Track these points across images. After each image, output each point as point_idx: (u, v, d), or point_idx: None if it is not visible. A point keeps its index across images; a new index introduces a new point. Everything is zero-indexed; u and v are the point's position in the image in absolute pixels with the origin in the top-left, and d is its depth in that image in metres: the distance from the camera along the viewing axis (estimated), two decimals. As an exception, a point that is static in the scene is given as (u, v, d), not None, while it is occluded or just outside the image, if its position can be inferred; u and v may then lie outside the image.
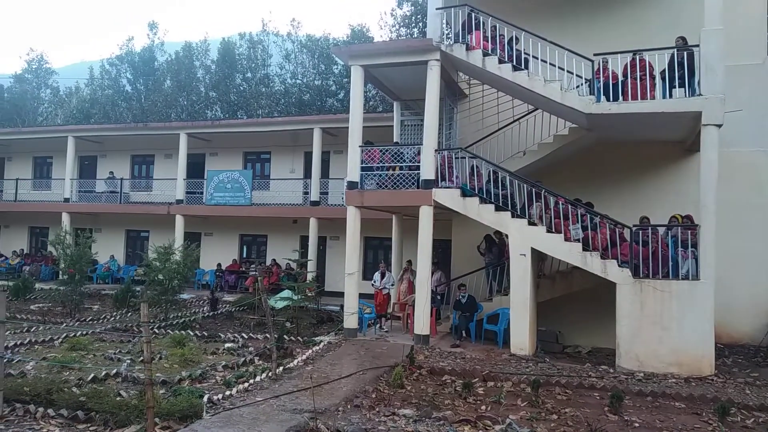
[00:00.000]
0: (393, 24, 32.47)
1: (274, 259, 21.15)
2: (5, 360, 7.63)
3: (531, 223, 11.68)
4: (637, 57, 11.45)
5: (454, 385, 9.34)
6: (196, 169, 22.98)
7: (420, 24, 30.09)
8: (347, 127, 13.53)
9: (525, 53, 12.48)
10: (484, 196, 12.11)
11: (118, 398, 7.37)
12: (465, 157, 12.67)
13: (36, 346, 11.36)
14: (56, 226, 21.94)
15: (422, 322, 12.10)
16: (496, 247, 13.91)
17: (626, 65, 11.59)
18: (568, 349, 13.05)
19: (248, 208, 20.89)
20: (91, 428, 6.88)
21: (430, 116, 12.41)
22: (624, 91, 11.46)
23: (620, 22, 13.76)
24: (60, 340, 11.86)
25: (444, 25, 13.21)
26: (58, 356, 10.24)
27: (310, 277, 16.70)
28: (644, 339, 10.49)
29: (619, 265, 10.90)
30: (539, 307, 12.43)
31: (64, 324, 13.96)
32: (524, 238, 11.65)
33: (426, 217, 12.26)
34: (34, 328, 13.18)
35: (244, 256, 23.09)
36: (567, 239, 11.38)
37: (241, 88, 34.76)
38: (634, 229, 11.06)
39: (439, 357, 11.09)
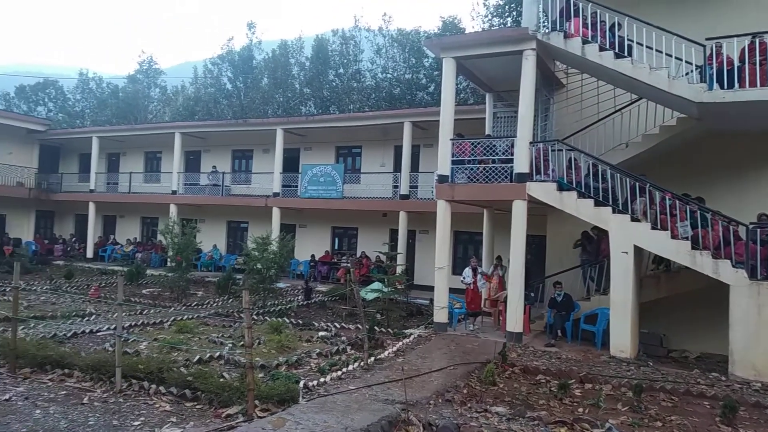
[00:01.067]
0: (485, 14, 31.92)
1: (364, 252, 21.50)
2: (122, 339, 8.27)
3: (634, 219, 11.05)
4: (757, 40, 10.50)
5: (548, 386, 9.06)
6: (291, 163, 23.78)
7: (514, 13, 29.31)
8: (437, 121, 13.44)
9: (628, 39, 11.78)
10: (583, 190, 11.60)
11: (221, 380, 7.76)
12: (562, 150, 12.19)
13: (148, 328, 12.24)
14: (165, 217, 23.54)
15: (515, 320, 11.83)
16: (592, 244, 13.31)
17: (743, 49, 10.67)
18: (673, 353, 12.26)
19: (340, 201, 21.34)
20: (197, 406, 7.30)
21: (525, 107, 12.05)
22: (740, 77, 10.56)
23: (735, 3, 12.64)
24: (169, 322, 12.71)
25: (540, 13, 12.80)
26: (167, 338, 10.97)
27: (399, 270, 16.82)
28: (763, 346, 9.63)
29: (733, 266, 10.06)
30: (642, 308, 11.75)
31: (172, 308, 14.96)
32: (626, 235, 11.05)
33: (519, 211, 11.95)
34: (145, 310, 14.21)
35: (336, 248, 23.64)
36: (674, 237, 10.67)
37: (334, 83, 35.51)
38: (750, 227, 10.16)
39: (533, 356, 10.79)
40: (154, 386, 7.74)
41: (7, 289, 16.07)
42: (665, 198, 10.92)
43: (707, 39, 10.81)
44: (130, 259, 24.49)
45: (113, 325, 11.25)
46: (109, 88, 46.04)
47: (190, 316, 13.44)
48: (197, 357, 9.33)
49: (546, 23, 12.44)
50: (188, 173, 26.46)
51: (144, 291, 18.01)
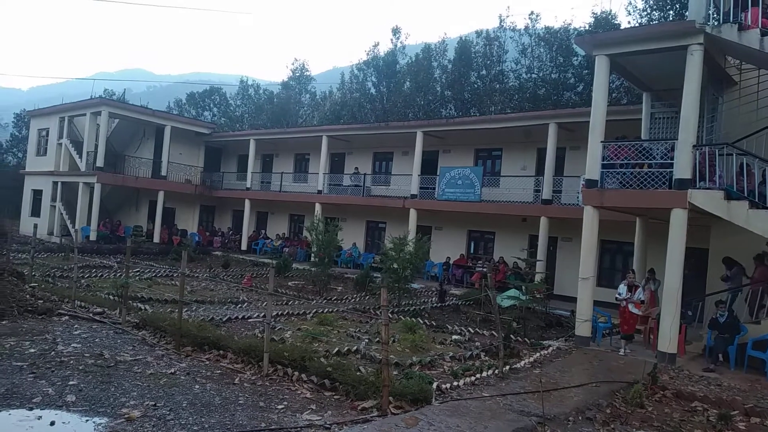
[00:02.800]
0: (643, 8, 29.62)
1: (501, 257, 21.00)
2: (270, 326, 8.84)
3: (821, 235, 9.59)
4: None
5: (706, 414, 8.16)
6: (429, 166, 23.95)
7: (676, 5, 26.93)
8: (585, 122, 12.73)
9: (821, 28, 10.25)
10: (756, 200, 10.29)
11: (357, 373, 7.99)
12: (732, 154, 10.91)
13: (292, 318, 13.00)
14: (310, 215, 24.93)
15: (668, 339, 10.80)
16: (737, 267, 11.79)
17: None
18: None
19: (477, 205, 21.05)
20: (335, 396, 7.58)
21: (689, 107, 10.96)
22: None
23: None
24: (311, 314, 13.39)
25: (710, 4, 11.58)
26: (309, 329, 11.57)
27: (538, 278, 16.18)
28: None
29: None
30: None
31: (314, 301, 15.76)
32: (810, 252, 9.61)
33: (678, 221, 10.89)
34: (291, 301, 15.11)
35: (471, 251, 23.38)
36: None
37: (475, 86, 35.18)
38: None
39: (688, 380, 9.77)
40: (297, 373, 8.17)
41: (175, 275, 17.99)
42: None
43: None
44: (278, 252, 26.23)
45: (263, 313, 12.09)
46: (265, 94, 49.92)
47: (330, 310, 14.06)
48: (336, 349, 9.71)
49: (716, 15, 11.20)
50: (332, 174, 27.76)
51: (290, 283, 19.17)
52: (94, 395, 6.82)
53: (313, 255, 19.10)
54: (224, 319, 11.95)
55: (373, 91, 40.83)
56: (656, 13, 28.58)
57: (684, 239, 10.85)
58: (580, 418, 7.34)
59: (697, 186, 10.88)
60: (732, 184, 10.68)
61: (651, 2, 29.20)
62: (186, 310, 11.96)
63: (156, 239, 28.20)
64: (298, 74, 49.57)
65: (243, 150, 31.28)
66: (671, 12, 27.46)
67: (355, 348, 9.99)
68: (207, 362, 8.80)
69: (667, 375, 9.86)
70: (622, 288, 12.29)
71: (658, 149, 11.77)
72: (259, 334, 10.28)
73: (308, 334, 10.70)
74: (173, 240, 28.28)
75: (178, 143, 30.28)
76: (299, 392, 7.67)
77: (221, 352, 9.11)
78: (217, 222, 33.48)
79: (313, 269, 18.07)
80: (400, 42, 40.31)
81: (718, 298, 11.75)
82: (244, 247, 28.65)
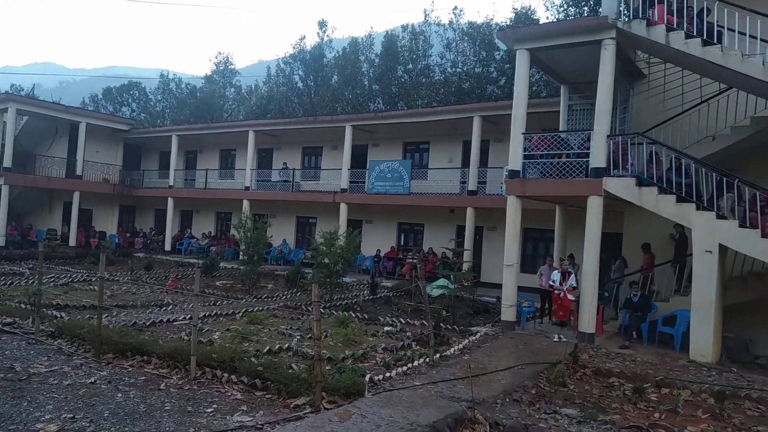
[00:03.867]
0: (560, 4, 30.86)
1: (430, 248, 21.36)
2: (197, 329, 8.58)
3: (720, 217, 10.35)
4: None
5: (622, 389, 8.67)
6: (359, 160, 23.96)
7: (591, 2, 28.22)
8: (508, 114, 13.12)
9: (718, 25, 11.01)
10: (664, 186, 10.98)
11: (289, 371, 7.91)
12: (642, 143, 11.59)
13: (221, 318, 12.68)
14: (238, 212, 24.36)
15: (587, 320, 11.37)
16: (621, 260, 13.04)
17: None
18: (760, 359, 11.43)
19: (407, 197, 21.30)
20: (266, 396, 7.47)
21: (603, 99, 11.54)
22: None
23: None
24: (240, 314, 13.11)
25: (621, 1, 12.20)
26: (239, 328, 11.32)
27: (466, 266, 16.57)
28: None
29: (834, 268, 9.24)
30: (726, 310, 11.00)
31: (243, 300, 15.44)
32: (711, 233, 10.37)
33: (594, 208, 11.47)
34: (218, 302, 14.73)
35: (402, 243, 23.63)
36: (765, 235, 9.90)
37: (402, 79, 35.49)
38: None
39: (606, 357, 10.33)
40: (226, 375, 7.99)
41: (93, 279, 17.11)
42: (756, 194, 10.15)
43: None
44: (205, 252, 25.50)
45: (189, 315, 11.72)
46: (187, 88, 48.17)
47: (261, 308, 13.82)
48: (267, 348, 9.56)
49: (627, 11, 11.83)
50: (260, 170, 27.22)
51: (217, 283, 18.69)
52: (4, 412, 6.38)
53: (241, 253, 18.71)
54: (148, 324, 11.49)
55: (300, 85, 40.35)
56: (572, 9, 29.87)
57: (600, 225, 11.44)
58: (507, 400, 7.59)
59: (611, 174, 11.48)
60: (643, 172, 11.34)
61: (567, -1, 30.46)
62: (106, 316, 11.40)
63: (72, 242, 26.62)
64: (222, 68, 48.21)
65: (165, 147, 30.08)
66: (586, 8, 28.77)
67: (286, 345, 9.87)
68: (130, 369, 8.43)
69: (587, 354, 10.38)
70: (556, 275, 12.68)
71: (575, 140, 12.32)
72: (186, 337, 9.97)
73: (238, 334, 10.47)
74: (90, 243, 26.84)
75: (94, 141, 28.69)
76: (229, 394, 7.50)
77: (145, 357, 8.77)
78: (138, 222, 32.07)
79: (242, 268, 17.70)
80: (327, 36, 40.09)
81: (632, 279, 12.47)
82: (168, 247, 27.62)
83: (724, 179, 10.44)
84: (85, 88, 65.83)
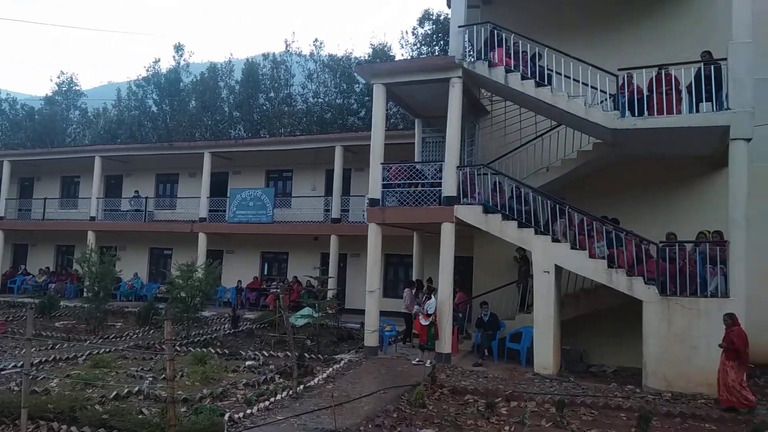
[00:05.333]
0: (414, 42, 32.68)
1: (295, 277, 21.16)
2: (30, 377, 7.69)
3: (555, 240, 11.51)
4: (663, 71, 11.30)
5: (476, 405, 9.18)
6: (219, 188, 23.22)
7: (441, 42, 30.21)
8: (368, 145, 13.56)
9: (548, 69, 12.41)
10: (507, 213, 11.99)
11: (140, 416, 7.38)
12: (487, 174, 12.60)
13: (60, 363, 11.47)
14: (82, 245, 22.34)
15: (444, 341, 11.94)
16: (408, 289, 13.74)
17: (651, 80, 11.44)
18: (592, 368, 12.74)
19: (270, 226, 20.99)
20: (112, 446, 6.87)
21: (452, 133, 12.38)
22: (649, 105, 11.31)
23: (647, 36, 13.59)
24: (83, 357, 11.96)
25: (466, 43, 13.24)
26: (81, 373, 10.31)
27: (330, 294, 16.65)
28: (672, 358, 10.20)
29: (645, 283, 10.66)
30: (563, 325, 12.17)
31: (88, 341, 14.10)
32: (548, 255, 11.48)
33: (447, 233, 12.18)
34: (58, 345, 13.33)
35: (266, 273, 23.16)
36: (592, 256, 11.18)
37: (264, 107, 35.18)
38: (660, 245, 10.82)
39: (461, 376, 10.91)
40: (64, 426, 7.25)
41: None
42: (583, 219, 11.45)
43: (619, 69, 11.55)
44: (42, 290, 22.93)
45: (20, 362, 10.43)
46: (24, 109, 43.41)
47: (108, 350, 12.69)
48: (114, 393, 8.80)
49: (472, 52, 12.89)
50: (108, 198, 25.30)
51: (57, 324, 16.93)
52: None
53: (85, 290, 17.12)
54: (-32, 376, 10.05)
55: (154, 109, 38.29)
56: (425, 48, 31.77)
57: (453, 249, 12.16)
58: (370, 426, 7.70)
59: (461, 202, 12.30)
60: (489, 200, 12.30)
61: (420, 38, 32.38)
62: None
63: None
64: (65, 88, 44.24)
65: (-6, 173, 26.83)
66: (437, 47, 30.76)
67: (136, 389, 9.17)
68: (-57, 430, 7.32)
69: (444, 374, 10.89)
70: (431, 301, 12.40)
71: (429, 170, 13.06)
72: (16, 388, 8.88)
73: (79, 380, 9.53)
74: None
75: None
76: (67, 448, 6.79)
77: (-37, 415, 7.66)
78: (-41, 259, 28.09)
79: (86, 306, 16.18)
80: (184, 59, 38.60)
81: (483, 299, 13.35)
82: (-3, 286, 24.52)
83: (557, 206, 11.66)
84: None
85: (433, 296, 12.26)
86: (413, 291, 13.73)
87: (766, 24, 12.77)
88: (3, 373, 10.49)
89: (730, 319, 9.38)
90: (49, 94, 44.08)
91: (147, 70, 39.31)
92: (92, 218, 23.77)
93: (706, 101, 10.99)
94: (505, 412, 8.88)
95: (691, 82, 11.19)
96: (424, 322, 12.26)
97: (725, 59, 10.63)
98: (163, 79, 37.79)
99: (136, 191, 24.64)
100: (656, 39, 13.43)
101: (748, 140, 10.40)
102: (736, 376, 9.07)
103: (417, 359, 11.99)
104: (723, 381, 9.16)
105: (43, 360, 11.42)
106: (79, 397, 8.08)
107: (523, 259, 13.53)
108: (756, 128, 10.65)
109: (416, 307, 13.09)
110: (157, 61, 39.68)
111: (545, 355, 11.32)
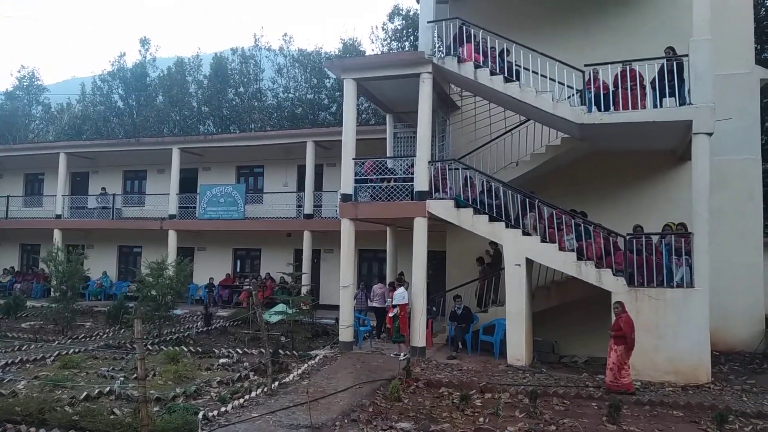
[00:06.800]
0: (384, 38, 32.69)
1: (268, 273, 21.05)
2: (-4, 379, 7.53)
3: (525, 234, 11.69)
4: (627, 67, 11.54)
5: (451, 398, 9.27)
6: (189, 184, 22.93)
7: (411, 38, 30.28)
8: (340, 140, 13.53)
9: (516, 65, 12.56)
10: (478, 207, 12.13)
11: (111, 416, 7.28)
12: (458, 168, 12.70)
13: (27, 365, 11.20)
14: (48, 243, 21.82)
15: (418, 334, 12.04)
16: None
17: (617, 75, 11.69)
18: (564, 359, 13.01)
19: (242, 222, 20.82)
20: (84, 448, 6.77)
21: (423, 128, 12.44)
22: (615, 101, 11.54)
23: (612, 32, 13.84)
24: (52, 358, 11.70)
25: (435, 38, 13.33)
26: (50, 375, 10.10)
27: (304, 290, 16.62)
28: (640, 348, 10.43)
29: (613, 274, 10.92)
30: (535, 317, 12.39)
31: (56, 342, 13.80)
32: (519, 248, 11.66)
33: (420, 228, 12.26)
34: (25, 346, 13.01)
35: (238, 270, 22.98)
36: (561, 249, 11.40)
37: (234, 102, 34.80)
38: (627, 237, 11.09)
39: (436, 369, 11.02)
40: (33, 429, 7.11)
41: None
42: (553, 213, 11.66)
43: (585, 65, 11.76)
44: (7, 290, 22.37)
45: (-15, 365, 10.18)
46: (-18, 105, 42.12)
47: (77, 350, 12.45)
48: (84, 394, 8.65)
49: (441, 48, 12.96)
50: (74, 196, 24.72)
51: (24, 325, 16.49)
52: None
53: (53, 289, 16.73)
54: (-70, 380, 9.75)
55: (120, 104, 37.54)
56: (395, 44, 31.81)
57: (425, 244, 12.25)
58: (346, 421, 7.74)
59: (434, 197, 12.39)
60: (460, 194, 12.41)
61: (390, 33, 32.39)
62: None
63: None
64: (26, 83, 42.95)
65: (-48, 171, 26.00)
66: (407, 43, 30.83)
67: (108, 389, 9.03)
68: None
69: (419, 367, 10.97)
70: (402, 293, 12.49)
71: (400, 165, 13.12)
72: (-18, 391, 8.66)
73: (48, 382, 9.34)
74: None
75: None
76: (37, 451, 6.67)
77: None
78: None
79: (53, 305, 15.81)
80: (150, 54, 37.88)
81: (456, 293, 13.50)
82: (-42, 287, 23.76)
83: (527, 200, 11.85)
84: None
85: (399, 289, 12.41)
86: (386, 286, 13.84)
87: (726, 21, 13.18)
88: (-33, 376, 10.20)
89: (620, 307, 10.02)
90: (10, 89, 42.75)
91: (112, 65, 38.58)
92: (58, 216, 23.22)
93: (670, 96, 11.28)
94: (479, 404, 9.00)
95: (654, 78, 11.46)
96: (390, 314, 12.40)
97: (687, 55, 10.92)
98: (129, 73, 37.09)
99: (103, 188, 24.16)
100: (621, 35, 13.70)
101: (710, 134, 10.72)
102: (618, 360, 9.66)
103: (394, 353, 12.09)
104: (608, 365, 9.80)
105: (9, 362, 11.14)
106: (48, 399, 7.93)
107: (495, 253, 13.66)
108: (717, 123, 10.97)
109: (387, 300, 13.19)
110: (122, 55, 39.04)
111: (518, 346, 11.51)
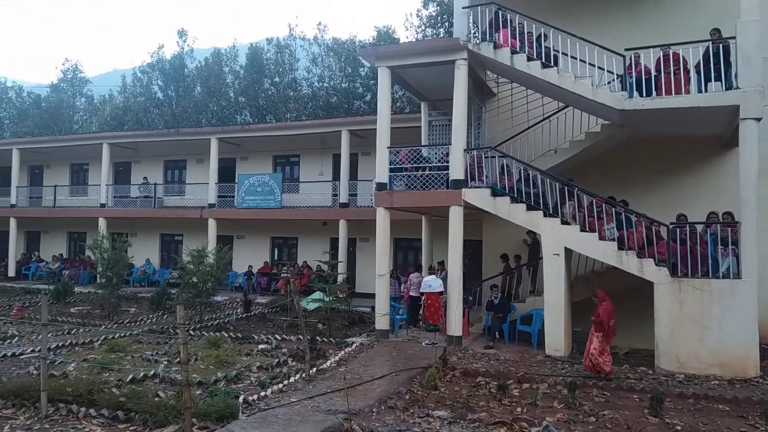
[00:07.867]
0: (419, 25, 32.43)
1: (305, 261, 21.31)
2: (48, 361, 7.85)
3: (564, 223, 11.50)
4: (670, 51, 11.18)
5: (488, 387, 9.25)
6: (227, 174, 23.32)
7: (446, 24, 29.96)
8: (375, 129, 13.53)
9: (554, 50, 12.30)
10: (515, 196, 11.98)
11: (156, 399, 7.50)
12: (495, 156, 12.56)
13: (76, 348, 11.65)
14: (93, 231, 22.55)
15: (454, 324, 12.03)
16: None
17: (659, 60, 11.33)
18: (603, 350, 12.78)
19: (278, 211, 21.09)
20: (131, 428, 7.02)
21: (459, 116, 12.33)
22: (657, 86, 11.21)
23: (652, 16, 13.45)
24: (99, 342, 12.15)
25: (471, 24, 13.14)
26: (97, 358, 10.48)
27: (340, 278, 16.76)
28: (684, 339, 10.22)
29: (656, 264, 10.64)
30: (574, 307, 12.21)
31: (103, 326, 14.30)
32: (557, 237, 11.48)
33: (456, 217, 12.19)
34: (74, 330, 13.52)
35: (276, 258, 23.31)
36: (602, 238, 11.17)
37: (270, 92, 35.11)
38: (671, 227, 10.79)
39: (473, 358, 11.00)
40: (83, 409, 7.39)
41: None
42: (593, 201, 11.43)
43: (626, 49, 11.43)
44: (56, 276, 23.25)
45: (38, 347, 10.63)
46: (30, 97, 43.60)
47: (123, 334, 12.89)
48: (130, 376, 8.96)
49: (477, 34, 12.78)
50: (118, 185, 25.45)
51: (72, 309, 17.14)
52: None
53: (99, 276, 17.32)
54: (-12, 361, 10.25)
55: (160, 95, 38.33)
56: (430, 30, 31.51)
57: (461, 233, 12.18)
58: (383, 408, 7.81)
59: (469, 185, 12.29)
60: (497, 183, 12.28)
61: (425, 20, 32.09)
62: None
63: None
64: (70, 76, 44.27)
65: (4, 161, 27.03)
66: (442, 30, 30.50)
67: (152, 372, 9.32)
68: (-34, 414, 7.49)
69: (456, 356, 10.98)
70: (433, 280, 12.81)
71: (436, 154, 13.04)
72: (35, 372, 9.06)
73: (96, 364, 9.69)
74: None
75: None
76: (87, 430, 6.94)
77: (-15, 399, 7.83)
78: (-28, 247, 28.42)
79: (99, 292, 16.37)
80: (188, 45, 38.53)
81: (493, 282, 13.41)
82: (12, 273, 24.85)
83: (566, 188, 11.64)
84: None
85: (427, 276, 12.47)
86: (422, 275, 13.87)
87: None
88: (22, 357, 10.69)
89: (599, 296, 10.04)
90: (55, 81, 44.17)
91: (151, 57, 39.33)
92: (102, 205, 23.96)
93: (715, 81, 10.88)
94: (517, 394, 8.96)
95: (699, 62, 11.06)
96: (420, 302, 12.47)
97: (734, 38, 10.50)
98: (168, 65, 37.78)
99: (145, 178, 24.79)
100: (664, 18, 13.27)
101: (759, 119, 10.31)
102: (599, 346, 9.69)
103: (426, 341, 12.12)
104: (588, 349, 9.83)
105: (59, 345, 11.61)
106: (96, 381, 8.21)
107: (533, 242, 13.52)
108: (766, 107, 10.54)
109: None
110: (161, 47, 39.74)
111: (556, 337, 11.37)
